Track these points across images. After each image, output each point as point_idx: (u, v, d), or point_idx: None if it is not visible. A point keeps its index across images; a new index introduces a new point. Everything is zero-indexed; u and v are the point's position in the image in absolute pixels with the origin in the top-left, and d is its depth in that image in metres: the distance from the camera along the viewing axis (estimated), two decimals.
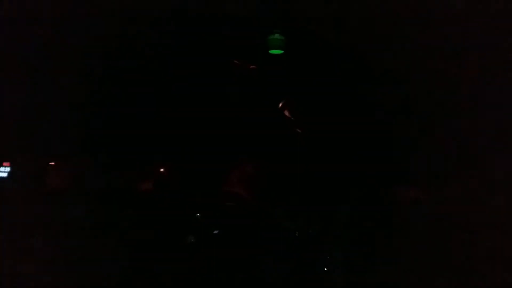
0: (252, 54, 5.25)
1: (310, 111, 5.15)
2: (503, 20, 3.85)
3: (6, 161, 5.10)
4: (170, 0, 4.97)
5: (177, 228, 5.06)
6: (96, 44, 4.81)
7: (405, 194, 4.97)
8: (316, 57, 5.09)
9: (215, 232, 5.06)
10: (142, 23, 4.85)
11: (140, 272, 4.73)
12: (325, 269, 4.71)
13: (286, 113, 5.18)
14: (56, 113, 4.92)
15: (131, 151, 5.06)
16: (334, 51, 5.04)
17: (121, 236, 4.87)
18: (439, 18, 4.30)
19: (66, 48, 4.71)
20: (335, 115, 5.01)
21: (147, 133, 5.08)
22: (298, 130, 5.16)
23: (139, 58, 5.04)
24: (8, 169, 5.13)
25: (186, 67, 5.21)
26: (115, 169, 5.06)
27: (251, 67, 5.29)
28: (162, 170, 5.27)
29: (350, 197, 4.82)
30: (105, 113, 5.08)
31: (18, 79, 4.67)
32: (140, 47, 5.00)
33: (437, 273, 4.55)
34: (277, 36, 5.15)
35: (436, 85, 4.76)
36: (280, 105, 5.19)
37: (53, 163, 5.04)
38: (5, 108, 4.66)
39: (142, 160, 5.21)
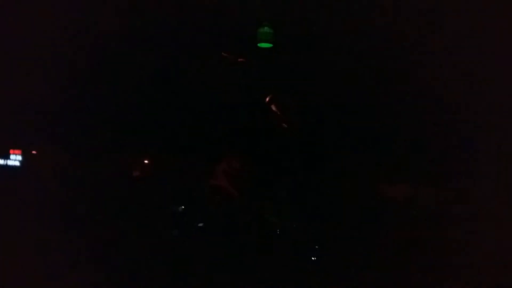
0: (241, 47, 5.20)
1: (297, 106, 5.13)
2: None
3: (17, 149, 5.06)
4: None
5: (161, 222, 5.04)
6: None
7: (396, 191, 5.00)
8: (306, 51, 5.05)
9: (200, 225, 5.05)
10: (133, 15, 4.81)
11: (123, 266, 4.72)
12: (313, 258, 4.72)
13: (273, 107, 5.16)
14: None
15: (115, 143, 5.01)
16: (324, 46, 5.01)
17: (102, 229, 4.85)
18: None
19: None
20: (323, 110, 4.99)
21: (132, 125, 5.04)
22: (284, 124, 5.14)
23: (130, 50, 4.98)
24: (19, 157, 5.07)
25: (174, 59, 5.15)
26: (98, 160, 5.03)
27: (239, 60, 5.24)
28: (146, 161, 5.24)
29: (337, 193, 4.82)
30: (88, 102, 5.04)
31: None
32: (132, 39, 4.95)
33: None
34: (266, 29, 5.10)
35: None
36: (267, 99, 5.17)
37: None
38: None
39: (126, 152, 5.17)
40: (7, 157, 5.05)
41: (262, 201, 4.89)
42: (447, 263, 4.48)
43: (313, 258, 4.69)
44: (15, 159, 5.10)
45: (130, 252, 4.73)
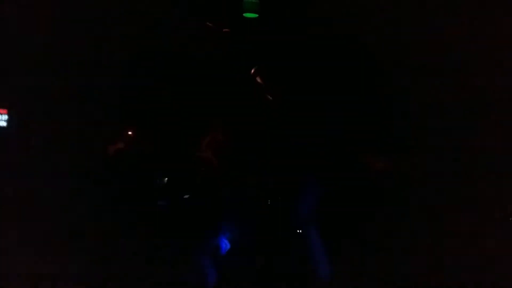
0: (226, 17, 5.13)
1: (282, 78, 5.09)
2: None
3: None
4: None
5: (147, 193, 5.06)
6: None
7: (375, 163, 5.03)
8: (291, 23, 4.99)
9: (186, 196, 5.08)
10: None
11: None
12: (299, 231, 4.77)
13: (258, 79, 5.13)
14: None
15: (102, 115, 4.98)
16: (310, 17, 4.96)
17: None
18: None
19: None
20: (308, 83, 4.96)
21: (114, 97, 4.99)
22: (269, 96, 5.12)
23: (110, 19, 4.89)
24: (5, 117, 4.96)
25: (156, 29, 5.08)
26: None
27: (224, 30, 5.17)
28: (130, 133, 5.21)
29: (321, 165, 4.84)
30: None
31: None
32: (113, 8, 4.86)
33: None
34: None
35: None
36: (252, 71, 5.13)
37: None
38: None
39: (112, 123, 5.14)
40: None
41: (249, 174, 4.91)
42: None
43: (298, 231, 4.75)
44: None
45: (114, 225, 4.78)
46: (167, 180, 5.15)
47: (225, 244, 4.71)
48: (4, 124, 4.93)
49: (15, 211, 4.62)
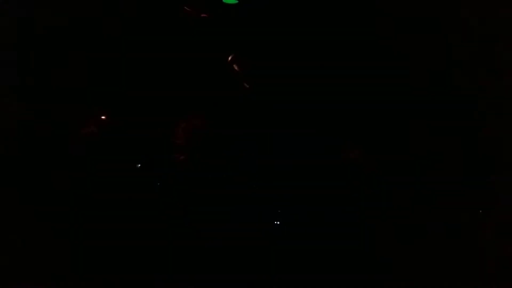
0: (204, 2, 5.03)
1: (260, 65, 5.04)
2: None
3: None
4: None
5: (119, 182, 4.93)
6: None
7: (348, 154, 5.02)
8: (272, 8, 4.94)
9: (158, 184, 4.97)
10: None
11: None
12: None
13: (235, 67, 5.06)
14: None
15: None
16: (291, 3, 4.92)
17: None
18: None
19: None
20: (287, 71, 4.92)
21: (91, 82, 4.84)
22: (245, 85, 5.06)
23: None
24: None
25: (133, 14, 4.95)
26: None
27: (202, 15, 5.08)
28: (103, 118, 5.06)
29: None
30: None
31: None
32: None
33: None
34: None
35: None
36: (229, 58, 5.05)
37: None
38: None
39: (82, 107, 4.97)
40: None
41: (223, 160, 4.84)
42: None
43: (276, 223, 4.70)
44: None
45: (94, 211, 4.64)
46: (140, 167, 5.02)
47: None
48: None
49: None
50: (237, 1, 4.98)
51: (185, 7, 5.06)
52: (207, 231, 4.69)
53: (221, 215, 4.72)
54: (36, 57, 4.78)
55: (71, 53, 4.85)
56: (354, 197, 4.78)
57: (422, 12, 4.71)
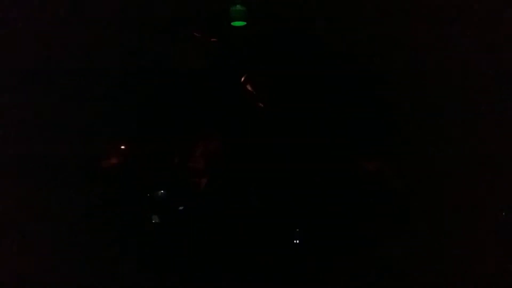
0: (213, 26, 5.09)
1: (273, 85, 5.08)
2: None
3: None
4: None
5: (139, 208, 4.95)
6: None
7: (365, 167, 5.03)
8: (281, 29, 4.99)
9: (180, 208, 4.99)
10: None
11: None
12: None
13: (248, 87, 5.10)
14: None
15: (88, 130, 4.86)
16: (299, 22, 4.97)
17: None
18: None
19: None
20: (299, 90, 4.96)
21: (101, 109, 4.88)
22: (260, 104, 5.09)
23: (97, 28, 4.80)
24: None
25: (144, 38, 5.01)
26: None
27: (212, 39, 5.14)
28: (122, 147, 5.11)
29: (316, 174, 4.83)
30: None
31: None
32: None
33: None
34: (238, 7, 5.01)
35: None
36: (242, 79, 5.10)
37: None
38: None
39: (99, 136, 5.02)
40: None
41: (246, 185, 4.87)
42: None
43: (295, 241, 4.72)
44: None
45: (110, 242, 4.66)
46: (160, 192, 5.06)
47: None
48: None
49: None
50: (245, 23, 5.04)
51: (195, 33, 5.12)
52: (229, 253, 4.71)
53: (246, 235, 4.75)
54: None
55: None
56: (371, 205, 4.80)
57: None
